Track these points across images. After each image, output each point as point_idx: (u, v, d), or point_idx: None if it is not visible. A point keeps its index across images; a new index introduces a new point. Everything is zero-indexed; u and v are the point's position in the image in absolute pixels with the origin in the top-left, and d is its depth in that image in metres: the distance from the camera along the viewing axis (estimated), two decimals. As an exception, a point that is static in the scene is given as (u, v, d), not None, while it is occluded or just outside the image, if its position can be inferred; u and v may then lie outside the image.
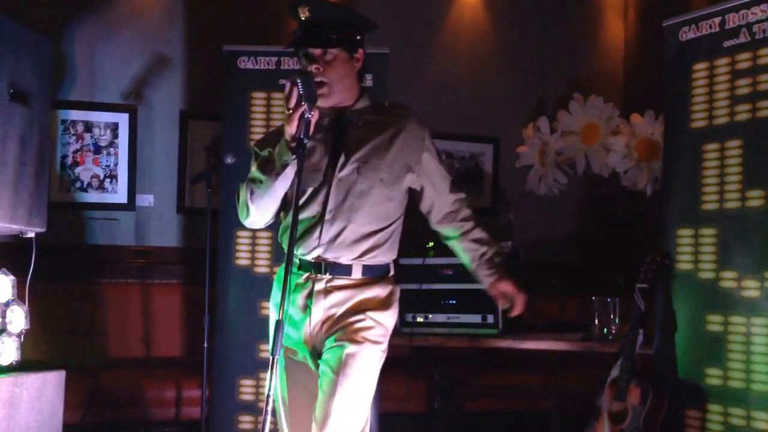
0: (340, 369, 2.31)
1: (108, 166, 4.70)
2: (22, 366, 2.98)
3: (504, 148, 5.25)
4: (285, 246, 2.35)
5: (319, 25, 2.33)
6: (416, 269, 3.69)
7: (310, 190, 2.39)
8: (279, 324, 2.06)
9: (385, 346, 2.44)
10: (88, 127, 4.68)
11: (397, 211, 2.48)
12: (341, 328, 2.38)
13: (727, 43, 3.29)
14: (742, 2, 3.24)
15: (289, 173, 2.29)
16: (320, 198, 2.38)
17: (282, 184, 2.33)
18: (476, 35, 5.40)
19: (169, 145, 4.83)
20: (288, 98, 2.20)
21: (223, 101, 3.97)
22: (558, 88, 5.28)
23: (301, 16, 2.34)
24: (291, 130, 2.21)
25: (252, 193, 2.37)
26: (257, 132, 3.91)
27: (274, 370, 2.04)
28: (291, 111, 2.20)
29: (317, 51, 2.35)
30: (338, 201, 2.36)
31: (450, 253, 3.83)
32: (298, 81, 2.19)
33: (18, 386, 2.88)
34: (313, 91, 2.21)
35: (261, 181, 2.34)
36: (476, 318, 3.71)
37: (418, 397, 4.30)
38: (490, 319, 3.69)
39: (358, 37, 2.41)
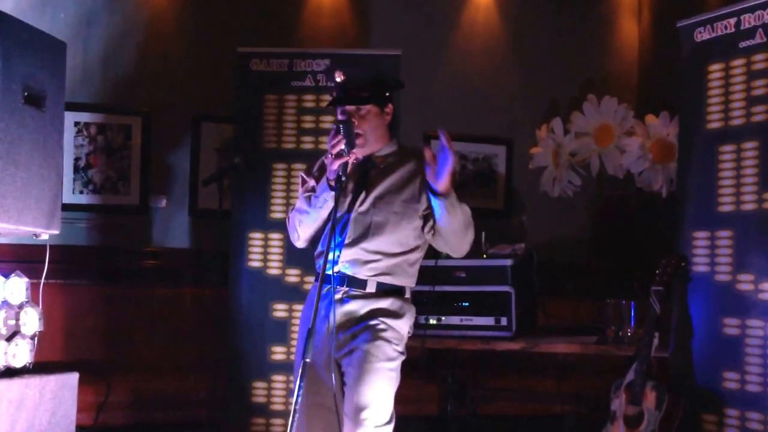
0: (361, 364, 2.61)
1: (121, 168, 4.71)
2: (36, 368, 2.99)
3: (517, 150, 5.22)
4: (318, 265, 2.76)
5: (352, 86, 2.72)
6: (429, 271, 3.67)
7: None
8: (310, 333, 2.40)
9: (401, 347, 2.71)
10: (101, 129, 4.69)
11: (414, 239, 2.73)
12: (357, 333, 2.66)
13: (742, 44, 3.26)
14: (757, 3, 3.21)
15: (329, 204, 2.66)
16: (342, 227, 2.72)
17: (323, 214, 2.72)
18: (489, 36, 5.37)
19: (181, 148, 4.83)
20: (332, 144, 2.60)
21: (236, 103, 3.98)
22: (571, 89, 5.25)
23: (337, 79, 2.72)
24: (333, 168, 2.60)
25: (300, 222, 2.78)
26: (270, 134, 3.92)
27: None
28: (333, 154, 2.60)
29: (352, 108, 2.71)
30: (356, 231, 2.70)
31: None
32: (341, 128, 2.60)
33: (31, 388, 2.88)
34: (352, 137, 2.61)
35: (307, 212, 2.74)
36: (489, 320, 3.70)
37: (431, 400, 4.29)
38: (504, 321, 3.67)
39: (387, 94, 2.78)
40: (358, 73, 2.75)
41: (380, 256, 2.69)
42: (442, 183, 2.56)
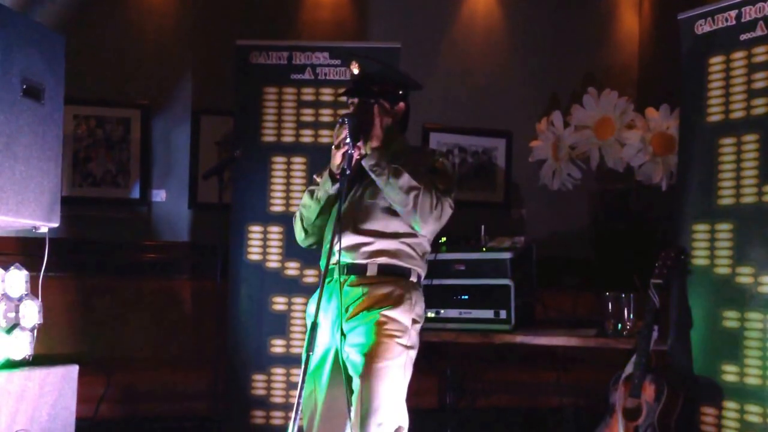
0: (364, 366, 2.56)
1: (120, 161, 4.71)
2: (35, 360, 2.99)
3: (517, 143, 5.22)
4: (321, 262, 2.73)
5: (366, 79, 2.72)
6: (428, 264, 3.67)
7: (333, 211, 2.75)
8: (314, 326, 2.40)
9: (405, 340, 2.63)
10: (101, 122, 4.69)
11: (410, 229, 2.68)
12: (358, 330, 2.61)
13: (743, 37, 3.25)
14: (758, -6, 3.20)
15: (330, 192, 2.71)
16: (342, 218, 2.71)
17: (326, 208, 2.75)
18: (489, 29, 5.37)
19: (181, 141, 4.83)
20: (336, 136, 2.60)
21: (235, 96, 3.97)
22: (572, 82, 5.24)
23: (353, 70, 2.73)
24: (336, 162, 2.62)
25: (303, 217, 2.81)
26: (269, 127, 3.91)
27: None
28: (337, 147, 2.60)
29: (360, 101, 2.70)
30: (351, 215, 2.69)
31: (462, 248, 3.86)
32: (346, 121, 2.58)
33: (31, 380, 2.89)
34: (356, 131, 2.58)
35: (309, 206, 2.77)
36: (488, 313, 3.69)
37: (430, 393, 4.28)
38: (503, 314, 3.66)
39: (401, 92, 2.77)
40: (373, 67, 2.73)
41: (373, 237, 2.65)
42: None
